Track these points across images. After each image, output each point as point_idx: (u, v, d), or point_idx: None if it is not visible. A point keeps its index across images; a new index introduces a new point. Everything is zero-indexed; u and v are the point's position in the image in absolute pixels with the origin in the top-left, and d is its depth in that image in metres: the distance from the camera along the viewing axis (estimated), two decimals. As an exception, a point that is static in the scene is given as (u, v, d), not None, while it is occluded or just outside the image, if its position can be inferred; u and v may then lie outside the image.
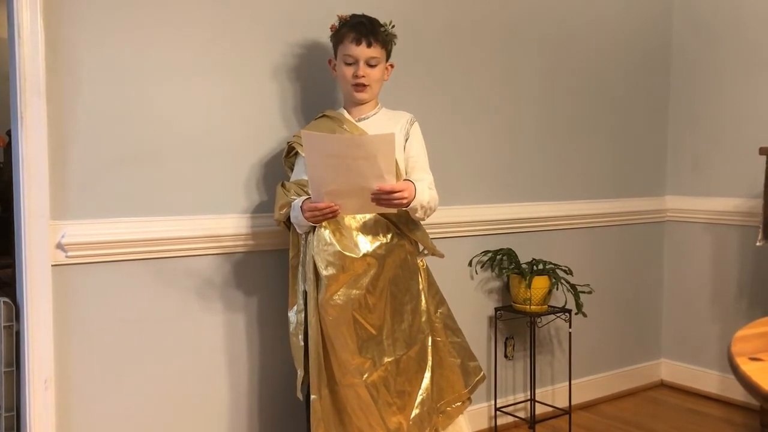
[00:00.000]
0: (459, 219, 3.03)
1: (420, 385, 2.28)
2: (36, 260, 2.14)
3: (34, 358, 2.15)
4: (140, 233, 2.30)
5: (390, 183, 2.04)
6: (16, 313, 2.19)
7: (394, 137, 2.00)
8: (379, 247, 2.22)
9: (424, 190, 2.21)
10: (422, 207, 2.21)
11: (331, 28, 2.37)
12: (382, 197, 2.05)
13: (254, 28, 2.50)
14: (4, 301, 2.18)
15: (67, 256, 2.19)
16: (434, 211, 2.31)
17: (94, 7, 2.21)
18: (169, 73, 2.35)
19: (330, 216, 2.11)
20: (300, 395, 2.30)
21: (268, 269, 2.57)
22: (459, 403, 2.45)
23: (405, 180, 2.22)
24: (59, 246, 2.17)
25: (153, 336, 2.36)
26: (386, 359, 2.22)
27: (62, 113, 2.18)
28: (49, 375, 2.17)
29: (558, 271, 3.05)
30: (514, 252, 3.10)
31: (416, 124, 2.38)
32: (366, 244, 2.20)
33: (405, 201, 2.09)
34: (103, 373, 2.28)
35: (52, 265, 2.17)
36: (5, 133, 4.03)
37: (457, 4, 3.00)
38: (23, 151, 2.11)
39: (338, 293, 2.15)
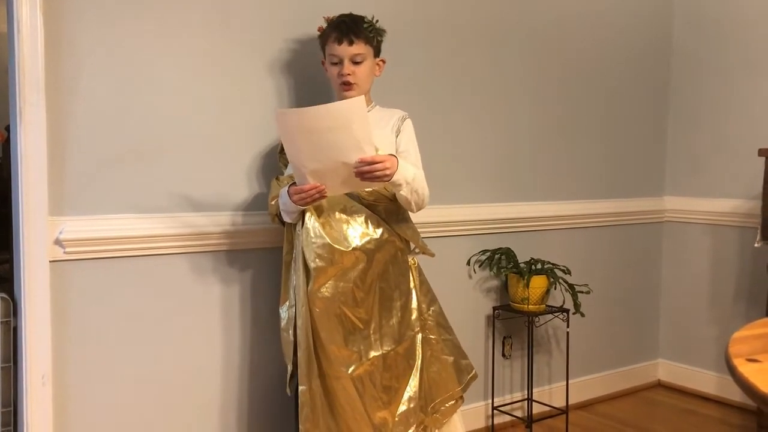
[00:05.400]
0: (457, 218, 3.03)
1: (408, 382, 2.29)
2: (34, 256, 2.14)
3: (31, 354, 2.14)
4: (138, 230, 2.30)
5: (370, 154, 2.03)
6: (13, 309, 2.19)
7: (363, 100, 1.99)
8: (369, 242, 2.22)
9: (408, 167, 2.19)
10: (407, 183, 2.18)
11: (318, 30, 2.38)
12: (364, 170, 2.04)
13: (252, 24, 2.50)
14: (1, 297, 2.18)
15: (65, 252, 2.19)
16: (423, 200, 2.28)
17: (94, 2, 2.21)
18: (168, 69, 2.35)
19: (317, 197, 2.10)
20: (288, 391, 2.30)
21: (264, 266, 2.57)
22: (452, 402, 2.45)
23: (389, 154, 2.20)
24: (57, 242, 2.17)
25: (150, 332, 2.36)
26: (373, 354, 2.22)
27: (61, 109, 2.17)
28: (47, 371, 2.17)
29: (556, 270, 3.05)
30: (512, 251, 3.10)
31: (408, 121, 2.38)
32: (355, 237, 2.20)
33: (388, 172, 2.07)
34: (100, 369, 2.28)
35: (49, 261, 2.17)
36: (4, 128, 4.03)
37: (450, 3, 3.00)
38: (22, 146, 2.11)
39: (326, 286, 2.16)
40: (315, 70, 2.58)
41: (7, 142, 3.14)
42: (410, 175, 2.19)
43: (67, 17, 2.17)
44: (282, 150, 2.44)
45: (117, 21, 2.25)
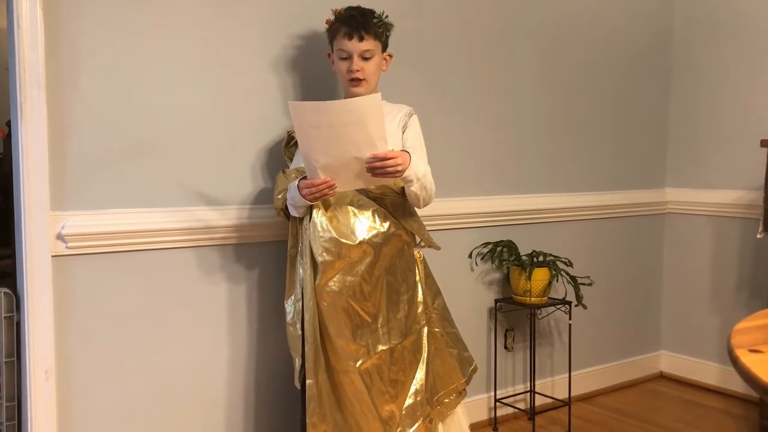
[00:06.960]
0: (459, 210, 3.03)
1: (414, 375, 2.29)
2: (36, 251, 2.14)
3: (34, 349, 2.15)
4: (140, 224, 2.30)
5: (383, 150, 2.03)
6: (16, 304, 2.19)
7: (380, 97, 1.99)
8: (376, 235, 2.21)
9: (419, 163, 2.20)
10: (417, 179, 2.18)
11: (326, 23, 2.36)
12: (376, 165, 2.04)
13: (255, 18, 2.49)
14: (4, 292, 2.18)
15: (67, 247, 2.19)
16: (430, 195, 2.29)
17: (94, -3, 2.21)
18: (171, 63, 2.34)
19: (327, 192, 2.09)
20: (297, 384, 2.31)
21: (269, 260, 2.57)
22: (456, 394, 2.45)
23: (401, 150, 2.20)
24: (59, 237, 2.17)
25: (152, 326, 2.36)
26: (380, 347, 2.22)
27: (62, 104, 2.17)
28: (50, 365, 2.17)
29: (558, 262, 3.05)
30: (514, 244, 3.10)
31: (415, 117, 2.38)
32: (362, 231, 2.20)
33: (400, 168, 2.07)
34: (104, 363, 2.29)
35: (52, 256, 2.17)
36: (5, 123, 4.02)
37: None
38: (23, 142, 2.11)
39: (334, 280, 2.16)
40: (319, 65, 2.58)
41: (8, 138, 3.14)
42: (421, 171, 2.20)
43: (66, 11, 2.16)
44: (287, 143, 2.43)
45: (118, 15, 2.24)
